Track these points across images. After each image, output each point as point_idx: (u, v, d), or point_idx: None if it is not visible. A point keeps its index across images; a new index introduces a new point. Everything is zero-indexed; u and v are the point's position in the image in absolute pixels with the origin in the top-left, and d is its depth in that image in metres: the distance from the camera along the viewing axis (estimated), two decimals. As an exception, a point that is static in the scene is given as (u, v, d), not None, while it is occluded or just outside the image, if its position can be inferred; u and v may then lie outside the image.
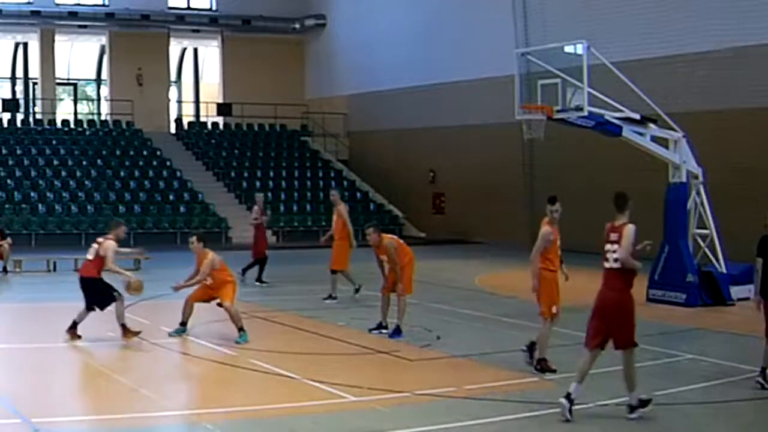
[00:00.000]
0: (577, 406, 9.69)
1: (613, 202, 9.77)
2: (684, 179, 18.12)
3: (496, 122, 30.18)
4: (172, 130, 40.77)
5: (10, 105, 38.71)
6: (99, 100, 43.19)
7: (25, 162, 34.66)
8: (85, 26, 39.12)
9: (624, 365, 9.63)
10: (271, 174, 37.85)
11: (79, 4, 38.66)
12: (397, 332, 14.03)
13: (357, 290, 18.40)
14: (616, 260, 9.50)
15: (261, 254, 20.96)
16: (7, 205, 31.63)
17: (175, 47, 42.44)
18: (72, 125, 38.84)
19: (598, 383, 10.99)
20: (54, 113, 39.13)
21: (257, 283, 20.73)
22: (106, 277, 13.62)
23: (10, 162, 34.31)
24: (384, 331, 14.28)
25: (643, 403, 9.54)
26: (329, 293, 18.27)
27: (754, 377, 10.77)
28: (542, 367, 11.61)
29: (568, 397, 9.41)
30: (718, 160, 21.98)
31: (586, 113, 17.47)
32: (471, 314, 16.53)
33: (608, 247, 9.56)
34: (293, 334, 14.42)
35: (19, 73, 41.68)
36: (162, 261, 25.14)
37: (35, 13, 37.43)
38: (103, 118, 40.73)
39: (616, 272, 9.52)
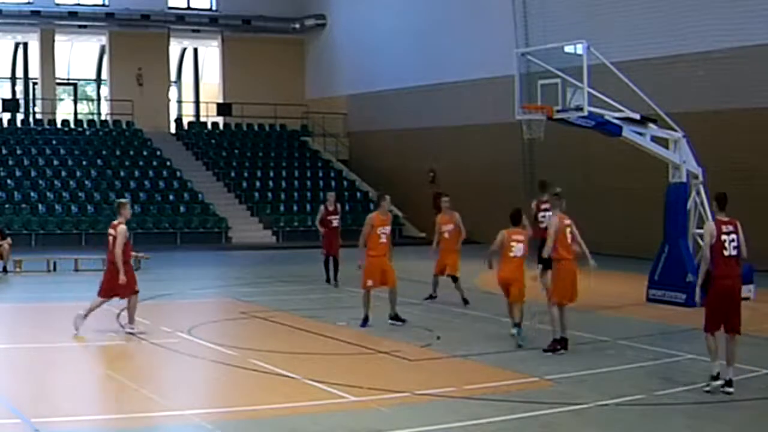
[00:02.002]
0: (576, 407, 9.69)
1: (716, 200, 10.75)
2: (684, 179, 18.10)
3: (496, 122, 30.15)
4: (172, 130, 40.75)
5: (10, 105, 38.70)
6: (99, 100, 43.18)
7: (25, 162, 34.65)
8: (85, 26, 39.11)
9: (732, 347, 10.50)
10: (271, 174, 37.84)
11: (79, 4, 38.64)
12: (365, 322, 14.73)
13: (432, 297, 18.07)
14: (735, 248, 10.49)
15: (335, 252, 20.38)
16: (7, 205, 31.63)
17: (175, 47, 42.42)
18: (72, 125, 38.83)
19: (599, 383, 11.02)
20: (54, 113, 39.12)
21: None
22: None
23: (10, 162, 34.30)
24: (398, 323, 14.85)
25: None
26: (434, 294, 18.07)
27: (754, 377, 10.77)
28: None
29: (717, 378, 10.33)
30: (718, 160, 21.96)
31: (586, 113, 17.44)
32: (471, 314, 16.53)
33: (725, 237, 10.46)
34: (293, 334, 14.40)
35: (19, 73, 41.67)
36: (162, 261, 25.21)
37: (35, 13, 37.43)
38: (103, 118, 40.72)
39: (736, 259, 10.56)
